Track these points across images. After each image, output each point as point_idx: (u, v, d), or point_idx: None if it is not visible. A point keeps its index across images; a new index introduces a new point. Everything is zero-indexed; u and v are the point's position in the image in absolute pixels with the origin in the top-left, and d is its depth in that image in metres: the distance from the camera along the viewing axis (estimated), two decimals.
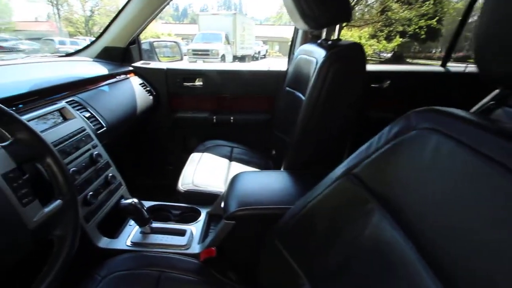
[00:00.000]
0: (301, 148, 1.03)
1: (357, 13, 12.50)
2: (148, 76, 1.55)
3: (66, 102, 0.91)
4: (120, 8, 1.35)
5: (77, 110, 0.93)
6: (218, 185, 1.09)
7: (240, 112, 1.63)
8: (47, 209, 0.52)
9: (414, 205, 0.37)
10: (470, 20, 1.62)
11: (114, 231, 0.89)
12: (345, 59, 0.91)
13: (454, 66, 1.66)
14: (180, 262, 0.74)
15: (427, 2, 11.61)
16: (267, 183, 0.88)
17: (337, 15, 0.92)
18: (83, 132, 0.88)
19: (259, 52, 17.60)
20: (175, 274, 0.69)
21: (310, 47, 1.07)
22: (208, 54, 10.75)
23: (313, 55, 1.00)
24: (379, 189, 0.42)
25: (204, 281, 0.70)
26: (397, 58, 12.93)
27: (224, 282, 0.73)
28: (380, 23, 12.62)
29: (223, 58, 11.19)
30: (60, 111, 0.86)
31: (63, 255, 0.54)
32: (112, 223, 0.89)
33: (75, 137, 0.84)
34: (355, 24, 12.51)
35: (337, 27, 1.02)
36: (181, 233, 0.89)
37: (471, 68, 1.58)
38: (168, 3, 1.36)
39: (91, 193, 0.81)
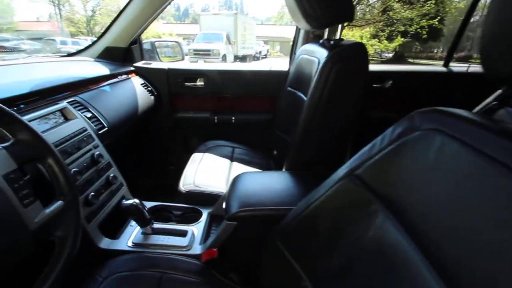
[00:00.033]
0: (303, 148, 1.02)
1: (358, 13, 12.47)
2: (150, 76, 1.55)
3: (68, 102, 0.91)
4: (121, 8, 1.35)
5: (79, 110, 0.93)
6: (219, 186, 1.09)
7: (241, 112, 1.63)
8: (48, 210, 0.52)
9: (418, 205, 0.37)
10: (471, 20, 1.61)
11: (115, 232, 0.88)
12: (347, 59, 0.91)
13: (456, 66, 1.65)
14: (182, 263, 0.74)
15: (429, 2, 11.58)
16: (269, 183, 0.88)
17: (340, 14, 0.92)
18: (85, 133, 0.88)
19: (260, 52, 17.59)
20: (176, 275, 0.69)
21: (312, 47, 1.07)
22: (209, 54, 10.76)
23: (315, 55, 1.00)
24: (382, 190, 0.42)
25: (206, 282, 0.70)
26: (398, 58, 12.92)
27: (226, 283, 0.73)
28: (381, 23, 12.60)
29: (224, 58, 11.18)
30: (62, 111, 0.86)
31: (64, 256, 0.53)
32: (113, 223, 0.89)
33: (77, 138, 0.84)
34: (357, 23, 12.48)
35: (339, 27, 1.02)
36: (183, 234, 0.89)
37: (474, 68, 1.58)
38: (169, 3, 1.36)
39: (92, 193, 0.81)
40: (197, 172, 1.16)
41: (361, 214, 0.44)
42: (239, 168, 1.26)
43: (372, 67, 1.61)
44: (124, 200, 0.89)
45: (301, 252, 0.56)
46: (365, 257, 0.42)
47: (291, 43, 1.61)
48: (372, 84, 1.53)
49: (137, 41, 1.53)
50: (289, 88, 1.24)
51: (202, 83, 1.58)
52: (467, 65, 1.63)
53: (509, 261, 0.27)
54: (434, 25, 12.00)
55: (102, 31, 1.44)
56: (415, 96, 1.56)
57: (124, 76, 1.38)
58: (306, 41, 1.44)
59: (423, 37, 12.48)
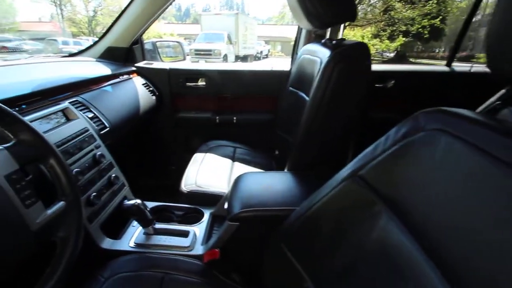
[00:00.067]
0: (305, 148, 1.02)
1: (359, 13, 12.44)
2: (151, 76, 1.55)
3: (69, 102, 0.91)
4: (123, 8, 1.36)
5: (80, 110, 0.93)
6: (221, 186, 1.09)
7: (242, 112, 1.62)
8: (50, 211, 0.52)
9: (421, 206, 0.37)
10: (473, 20, 1.60)
11: (117, 232, 0.88)
12: (349, 59, 0.91)
13: (459, 66, 1.64)
14: (184, 263, 0.74)
15: (430, 2, 11.54)
16: (271, 184, 0.88)
17: (342, 14, 0.92)
18: (86, 133, 0.88)
19: (261, 52, 17.58)
20: (178, 276, 0.69)
21: (314, 47, 1.07)
22: (210, 54, 10.76)
23: (317, 55, 0.99)
24: (385, 191, 0.42)
25: (208, 282, 0.70)
26: (400, 57, 12.87)
27: (228, 284, 0.73)
28: (383, 22, 12.56)
29: (225, 58, 11.19)
30: (63, 111, 0.86)
31: (66, 256, 0.53)
32: (115, 224, 0.89)
33: (78, 138, 0.84)
34: (358, 23, 12.45)
35: (341, 26, 1.01)
36: (185, 234, 0.89)
37: (477, 68, 1.57)
38: (170, 3, 1.36)
39: (94, 193, 0.81)
40: (198, 172, 1.16)
41: (365, 215, 0.43)
42: (241, 168, 1.25)
43: (374, 66, 1.61)
44: (126, 201, 0.89)
45: (303, 253, 0.55)
46: (368, 258, 0.41)
47: (292, 43, 1.60)
48: (374, 84, 1.53)
49: (138, 41, 1.53)
50: (291, 88, 1.24)
51: (204, 83, 1.58)
52: (469, 64, 1.62)
53: (509, 261, 0.27)
54: (435, 24, 11.95)
55: (104, 31, 1.44)
56: (417, 96, 1.55)
57: (125, 76, 1.38)
58: (308, 41, 1.44)
59: (425, 36, 12.42)
